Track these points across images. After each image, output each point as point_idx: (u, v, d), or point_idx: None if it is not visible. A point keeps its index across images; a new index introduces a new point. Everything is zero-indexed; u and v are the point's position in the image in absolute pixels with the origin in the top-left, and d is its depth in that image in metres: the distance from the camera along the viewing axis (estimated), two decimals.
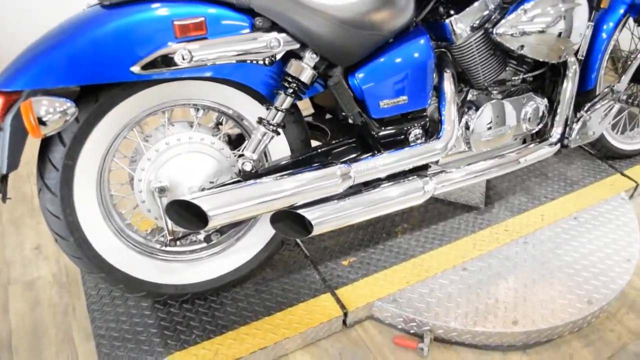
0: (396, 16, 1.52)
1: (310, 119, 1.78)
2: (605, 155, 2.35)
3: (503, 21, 1.58)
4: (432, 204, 2.07)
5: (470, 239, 1.92)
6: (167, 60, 1.28)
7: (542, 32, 1.62)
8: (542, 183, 2.20)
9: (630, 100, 1.97)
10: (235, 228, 1.62)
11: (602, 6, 1.78)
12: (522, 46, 1.63)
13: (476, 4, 1.61)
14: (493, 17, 1.62)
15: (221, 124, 1.66)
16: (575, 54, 1.83)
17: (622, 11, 2.03)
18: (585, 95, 2.07)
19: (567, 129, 1.86)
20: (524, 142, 1.92)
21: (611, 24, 2.03)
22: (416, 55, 1.54)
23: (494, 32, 1.59)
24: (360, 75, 1.49)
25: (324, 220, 1.47)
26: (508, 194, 2.14)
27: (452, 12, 1.61)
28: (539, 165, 2.29)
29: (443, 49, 1.69)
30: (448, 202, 2.07)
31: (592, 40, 2.04)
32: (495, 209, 2.06)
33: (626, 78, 1.98)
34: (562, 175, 2.26)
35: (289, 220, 1.49)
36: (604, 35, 2.04)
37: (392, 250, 1.86)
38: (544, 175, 2.25)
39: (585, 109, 1.90)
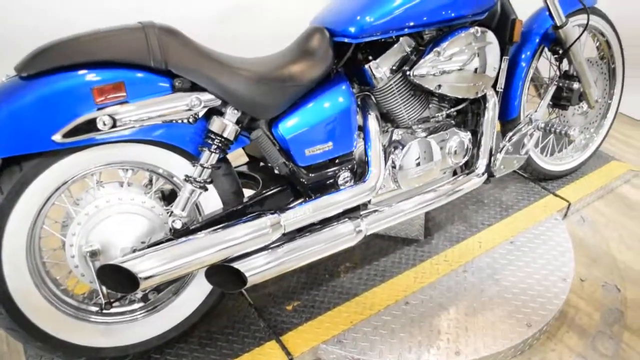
0: (315, 66, 1.57)
1: (245, 167, 1.81)
2: (537, 177, 2.45)
3: (419, 63, 1.66)
4: (373, 240, 2.11)
5: (412, 272, 1.96)
6: (88, 127, 1.30)
7: (456, 70, 1.70)
8: (478, 210, 2.27)
9: (548, 128, 2.06)
10: (173, 284, 1.62)
11: (514, 40, 1.88)
12: (439, 85, 1.70)
13: (393, 48, 1.68)
14: (410, 59, 1.69)
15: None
16: (494, 86, 1.92)
17: (536, 42, 2.14)
18: (510, 124, 2.17)
19: (492, 159, 1.93)
20: (455, 173, 1.99)
21: (528, 55, 2.14)
22: (338, 102, 1.60)
23: (411, 74, 1.66)
24: (283, 125, 1.54)
25: (257, 272, 1.48)
26: (447, 224, 2.20)
27: (370, 57, 1.68)
28: (475, 193, 2.36)
29: (367, 92, 1.75)
30: (388, 237, 2.11)
31: (511, 71, 2.14)
32: (435, 239, 2.12)
33: (543, 106, 2.08)
34: (497, 200, 2.34)
35: (224, 273, 1.50)
36: (523, 64, 2.15)
37: (335, 291, 1.89)
38: (480, 202, 2.33)
39: (507, 138, 1.99)
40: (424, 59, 1.66)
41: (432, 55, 1.66)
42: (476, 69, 1.75)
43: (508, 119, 2.17)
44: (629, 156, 2.91)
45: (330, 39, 1.64)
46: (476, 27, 1.72)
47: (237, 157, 1.89)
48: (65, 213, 1.53)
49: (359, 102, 1.75)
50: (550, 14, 2.04)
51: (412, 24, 1.64)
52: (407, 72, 1.67)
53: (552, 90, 2.12)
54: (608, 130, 2.60)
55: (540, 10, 2.11)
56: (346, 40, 1.62)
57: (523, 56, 2.14)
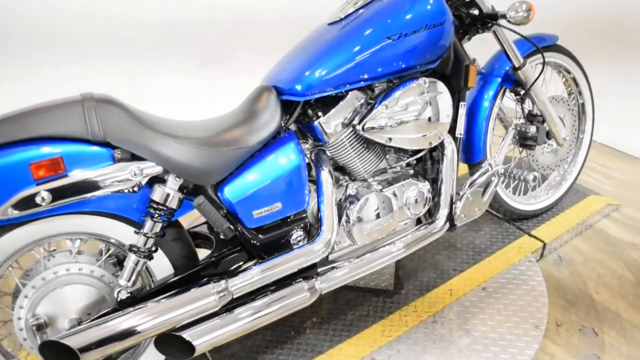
0: (262, 127, 1.56)
1: (201, 227, 1.79)
2: (511, 217, 2.41)
3: (368, 117, 1.65)
4: (341, 292, 2.06)
5: (379, 326, 1.91)
6: (27, 203, 1.29)
7: (406, 123, 1.68)
8: (451, 255, 2.23)
9: (507, 173, 2.02)
10: (125, 353, 1.59)
11: (469, 85, 1.87)
12: (390, 139, 1.68)
13: (342, 102, 1.67)
14: (360, 113, 1.68)
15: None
16: (453, 132, 1.90)
17: (497, 84, 2.14)
18: (477, 166, 2.14)
19: (453, 207, 1.90)
20: (420, 221, 1.96)
21: (490, 97, 2.13)
22: (286, 160, 1.58)
23: (360, 128, 1.65)
24: (229, 189, 1.52)
25: (206, 340, 1.45)
26: (417, 272, 2.16)
27: (320, 113, 1.67)
28: (448, 237, 2.32)
29: (321, 146, 1.73)
30: (357, 288, 2.07)
31: (474, 115, 2.13)
32: (405, 289, 2.07)
33: (502, 151, 2.05)
34: (470, 244, 2.30)
35: (172, 341, 1.46)
36: (485, 107, 2.14)
37: (300, 349, 1.84)
38: (452, 246, 2.29)
39: (467, 185, 1.96)
40: (373, 112, 1.65)
41: (380, 109, 1.65)
42: (428, 119, 1.73)
43: (474, 162, 2.15)
44: (608, 188, 2.87)
45: (278, 97, 1.64)
46: (424, 78, 1.71)
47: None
48: (15, 285, 1.52)
49: (312, 157, 1.74)
50: (508, 56, 2.03)
51: (359, 78, 1.64)
52: (357, 127, 1.65)
53: (511, 133, 2.10)
54: (582, 166, 2.57)
55: (499, 52, 2.11)
56: (293, 98, 1.62)
57: (485, 98, 2.13)
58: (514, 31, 1.93)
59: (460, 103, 1.89)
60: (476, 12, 1.89)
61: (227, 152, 1.49)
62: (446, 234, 2.02)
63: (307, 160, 1.76)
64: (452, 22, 1.75)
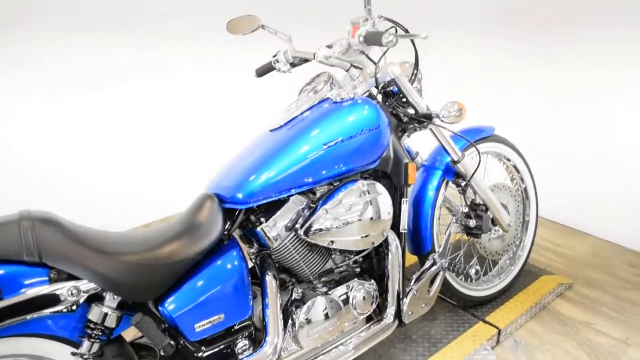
0: (203, 237, 1.57)
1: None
2: (465, 304, 2.42)
3: (309, 222, 1.67)
4: None
5: None
6: None
7: (347, 225, 1.72)
8: (406, 348, 2.21)
9: (450, 268, 2.05)
10: None
11: (410, 182, 1.93)
12: (332, 241, 1.71)
13: (284, 207, 1.70)
14: (302, 217, 1.71)
15: None
16: (396, 228, 1.94)
17: (439, 177, 2.21)
18: (425, 257, 2.17)
19: (400, 304, 1.91)
20: (370, 318, 1.95)
21: (433, 189, 2.20)
22: (227, 269, 1.58)
23: (302, 233, 1.67)
24: (169, 303, 1.50)
25: None
26: None
27: (262, 219, 1.69)
28: (403, 328, 2.31)
29: (266, 251, 1.74)
30: None
31: (419, 208, 2.19)
32: None
33: (444, 246, 2.09)
34: (426, 334, 2.29)
35: None
36: (429, 199, 2.20)
37: None
38: (408, 338, 2.27)
39: (413, 281, 1.98)
40: (313, 217, 1.68)
41: (321, 213, 1.68)
42: (369, 219, 1.76)
43: (422, 253, 2.18)
44: (559, 266, 2.93)
45: (220, 205, 1.66)
46: (362, 181, 1.76)
47: None
48: None
49: (257, 262, 1.74)
50: (447, 151, 2.12)
51: (300, 184, 1.67)
52: (299, 231, 1.67)
53: (452, 226, 2.15)
54: (530, 248, 2.63)
55: (439, 147, 2.19)
56: (235, 207, 1.64)
57: (429, 190, 2.20)
58: (448, 129, 2.02)
59: (403, 199, 1.94)
60: (412, 111, 1.98)
61: (165, 266, 1.48)
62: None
63: (251, 265, 1.77)
64: (387, 125, 1.82)
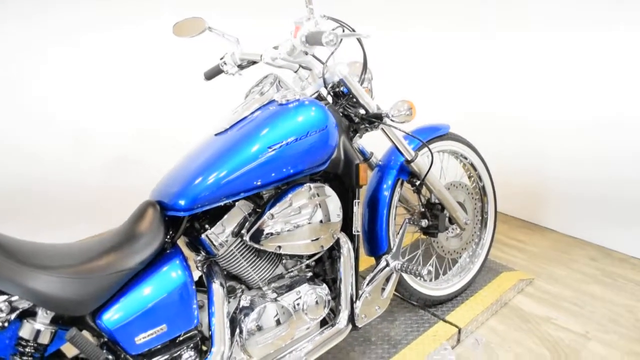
0: (142, 247, 1.52)
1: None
2: (425, 304, 2.41)
3: (254, 227, 1.63)
4: None
5: None
6: None
7: (294, 229, 1.68)
8: (365, 350, 2.18)
9: (403, 269, 2.02)
10: None
11: (361, 184, 1.90)
12: (279, 247, 1.67)
13: (230, 213, 1.66)
14: (248, 223, 1.67)
15: None
16: (349, 231, 1.91)
17: (394, 176, 2.19)
18: (385, 255, 2.15)
19: (353, 307, 1.88)
20: (325, 322, 1.92)
21: (387, 189, 2.18)
22: (170, 279, 1.53)
23: (247, 239, 1.63)
24: (108, 315, 1.45)
25: None
26: None
27: (207, 225, 1.64)
28: (362, 330, 2.28)
29: (212, 258, 1.69)
30: None
31: (374, 208, 2.16)
32: None
33: (397, 247, 2.07)
34: (385, 336, 2.26)
35: None
36: (384, 199, 2.17)
37: None
38: (367, 340, 2.24)
39: (365, 284, 1.95)
40: (259, 222, 1.64)
41: (267, 217, 1.64)
42: (318, 222, 1.73)
43: (379, 254, 2.16)
44: (521, 262, 2.94)
45: (162, 213, 1.61)
46: (309, 184, 1.73)
47: None
48: None
49: (204, 270, 1.70)
50: (400, 151, 2.10)
51: (245, 188, 1.63)
52: (244, 237, 1.63)
53: (405, 227, 2.13)
54: (490, 245, 2.63)
55: (393, 147, 2.17)
56: (178, 214, 1.59)
57: (384, 190, 2.18)
58: (399, 129, 2.00)
59: (355, 201, 1.91)
60: (363, 111, 1.96)
61: (102, 278, 1.42)
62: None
63: (200, 273, 1.72)
64: (335, 126, 1.80)
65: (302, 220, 1.70)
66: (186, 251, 1.69)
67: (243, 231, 1.66)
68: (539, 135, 3.25)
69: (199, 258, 1.72)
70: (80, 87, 3.22)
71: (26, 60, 3.01)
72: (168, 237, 1.62)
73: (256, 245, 1.64)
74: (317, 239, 1.74)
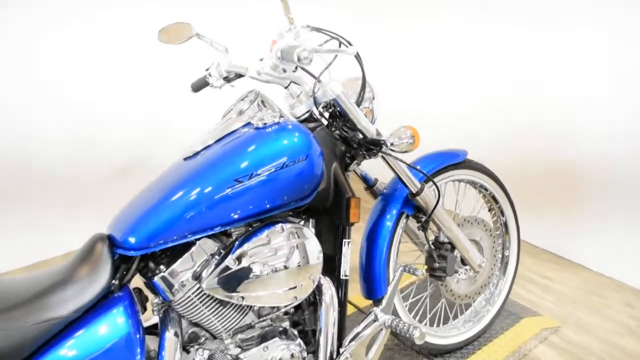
0: (81, 291, 1.30)
1: None
2: (430, 353, 2.12)
3: (213, 273, 1.39)
4: None
5: None
6: None
7: (261, 277, 1.43)
8: None
9: (393, 327, 1.72)
10: None
11: (352, 221, 1.64)
12: (242, 297, 1.42)
13: (188, 253, 1.42)
14: (208, 266, 1.43)
15: None
16: (336, 273, 1.65)
17: (396, 211, 1.91)
18: (380, 302, 1.89)
19: None
20: None
21: (388, 226, 1.90)
22: (110, 328, 1.31)
23: (204, 286, 1.39)
24: None
25: None
26: None
27: (162, 267, 1.42)
28: None
29: (168, 304, 1.47)
30: None
31: (372, 244, 1.89)
32: None
33: (388, 299, 1.79)
34: None
35: None
36: (384, 236, 1.90)
37: None
38: None
39: (349, 340, 1.68)
40: (220, 266, 1.40)
41: (229, 262, 1.40)
42: (293, 268, 1.48)
43: (376, 298, 1.89)
44: (546, 304, 2.61)
45: (112, 250, 1.39)
46: (281, 225, 1.48)
47: None
48: None
49: (160, 316, 1.47)
50: (403, 182, 1.82)
51: (208, 226, 1.40)
52: (202, 283, 1.40)
53: (399, 277, 1.85)
54: (510, 287, 2.31)
55: (396, 177, 1.89)
56: (127, 253, 1.37)
57: (385, 226, 1.90)
58: (398, 159, 1.73)
59: (344, 240, 1.65)
60: (361, 135, 1.69)
61: (25, 329, 1.21)
62: None
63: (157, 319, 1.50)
64: (320, 154, 1.54)
65: (273, 266, 1.45)
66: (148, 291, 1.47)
67: (203, 275, 1.42)
68: (575, 158, 2.89)
69: (156, 301, 1.50)
70: (94, 70, 3.06)
71: (41, 40, 2.87)
72: (116, 279, 1.40)
73: (215, 294, 1.40)
74: (290, 289, 1.48)
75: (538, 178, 3.06)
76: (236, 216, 1.43)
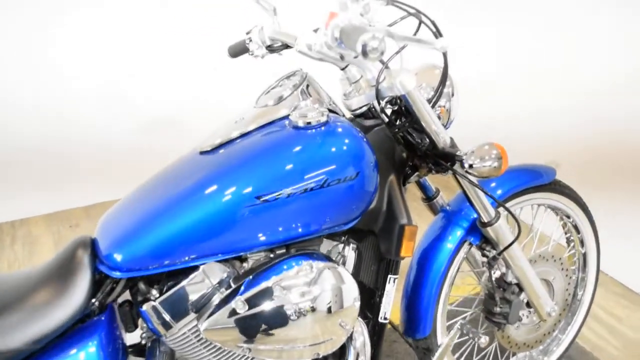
0: (41, 316, 1.01)
1: None
2: None
3: (216, 315, 1.08)
4: None
5: None
6: None
7: (276, 327, 1.10)
8: None
9: None
10: None
11: (402, 255, 1.29)
12: (249, 349, 1.10)
13: (187, 280, 1.11)
14: (208, 303, 1.11)
15: None
16: (374, 312, 1.32)
17: (460, 236, 1.54)
18: (422, 342, 1.55)
19: None
20: None
21: (447, 252, 1.54)
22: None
23: (202, 328, 1.08)
24: None
25: None
26: None
27: (154, 292, 1.11)
28: None
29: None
30: None
31: (422, 273, 1.54)
32: None
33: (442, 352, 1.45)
34: None
35: None
36: (442, 260, 1.54)
37: None
38: None
39: None
40: (224, 307, 1.08)
41: (235, 305, 1.08)
42: (320, 317, 1.14)
43: (417, 338, 1.55)
44: (610, 350, 2.22)
45: (94, 262, 1.08)
46: (309, 262, 1.13)
47: None
48: None
49: (148, 345, 1.18)
50: (474, 207, 1.44)
51: (214, 252, 1.08)
52: (199, 325, 1.09)
53: (454, 336, 1.49)
54: (576, 335, 1.93)
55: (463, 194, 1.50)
56: (108, 272, 1.06)
57: (441, 252, 1.54)
58: (474, 184, 1.34)
59: (389, 276, 1.30)
60: (429, 142, 1.31)
61: None
62: None
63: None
64: (374, 168, 1.17)
65: (294, 314, 1.11)
66: None
67: (203, 312, 1.10)
68: None
69: (144, 329, 1.19)
70: (122, 44, 2.82)
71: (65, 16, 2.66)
72: (97, 298, 1.10)
73: (214, 341, 1.09)
74: (314, 344, 1.15)
75: (621, 188, 2.60)
76: (256, 241, 1.10)
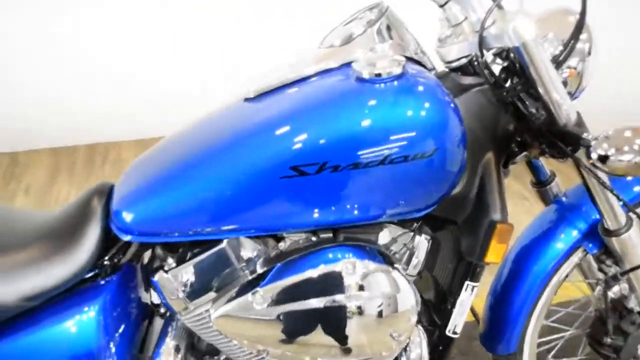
0: (37, 273, 0.88)
1: None
2: None
3: (232, 302, 0.88)
4: None
5: None
6: None
7: (305, 335, 0.88)
8: None
9: None
10: None
11: (487, 261, 1.00)
12: (267, 352, 0.89)
13: (211, 252, 0.91)
14: (227, 286, 0.91)
15: None
16: (439, 325, 1.06)
17: (574, 238, 1.19)
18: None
19: None
20: None
21: (555, 254, 1.20)
22: (81, 338, 0.89)
23: (213, 316, 0.89)
24: None
25: None
26: None
27: (170, 260, 0.93)
28: None
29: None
30: None
31: (517, 275, 1.23)
32: None
33: None
34: None
35: None
36: (546, 263, 1.21)
37: None
38: None
39: None
40: (241, 298, 0.87)
41: (253, 299, 0.87)
42: (367, 325, 0.90)
43: (499, 354, 1.27)
44: None
45: (105, 215, 0.93)
46: (357, 259, 0.87)
47: None
48: None
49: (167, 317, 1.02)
50: (598, 210, 1.09)
51: (247, 226, 0.88)
52: (210, 314, 0.90)
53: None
54: None
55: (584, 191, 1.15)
56: (118, 234, 0.90)
57: (547, 255, 1.21)
58: (600, 180, 0.98)
59: (467, 283, 1.02)
60: (545, 115, 0.97)
61: None
62: None
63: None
64: (461, 141, 0.88)
65: (329, 318, 0.88)
66: None
67: (222, 295, 0.91)
68: None
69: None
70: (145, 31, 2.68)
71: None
72: (107, 256, 0.95)
73: (225, 333, 0.90)
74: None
75: None
76: (296, 219, 0.87)
